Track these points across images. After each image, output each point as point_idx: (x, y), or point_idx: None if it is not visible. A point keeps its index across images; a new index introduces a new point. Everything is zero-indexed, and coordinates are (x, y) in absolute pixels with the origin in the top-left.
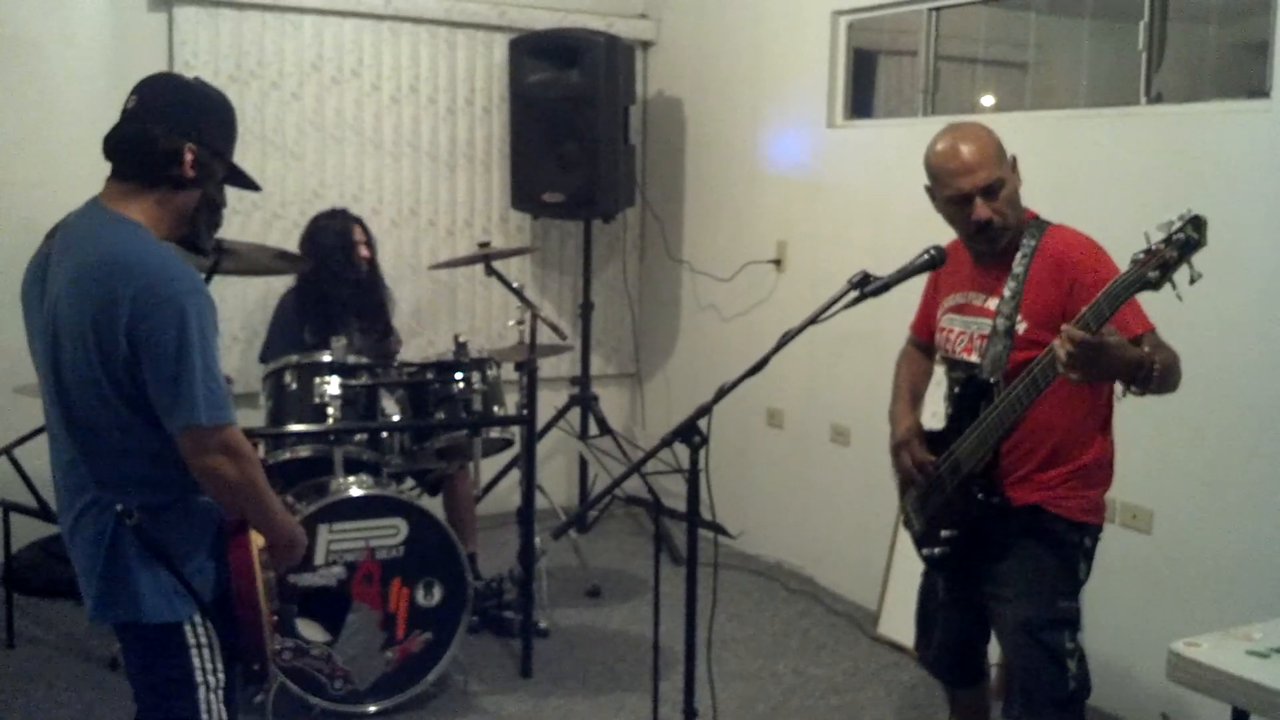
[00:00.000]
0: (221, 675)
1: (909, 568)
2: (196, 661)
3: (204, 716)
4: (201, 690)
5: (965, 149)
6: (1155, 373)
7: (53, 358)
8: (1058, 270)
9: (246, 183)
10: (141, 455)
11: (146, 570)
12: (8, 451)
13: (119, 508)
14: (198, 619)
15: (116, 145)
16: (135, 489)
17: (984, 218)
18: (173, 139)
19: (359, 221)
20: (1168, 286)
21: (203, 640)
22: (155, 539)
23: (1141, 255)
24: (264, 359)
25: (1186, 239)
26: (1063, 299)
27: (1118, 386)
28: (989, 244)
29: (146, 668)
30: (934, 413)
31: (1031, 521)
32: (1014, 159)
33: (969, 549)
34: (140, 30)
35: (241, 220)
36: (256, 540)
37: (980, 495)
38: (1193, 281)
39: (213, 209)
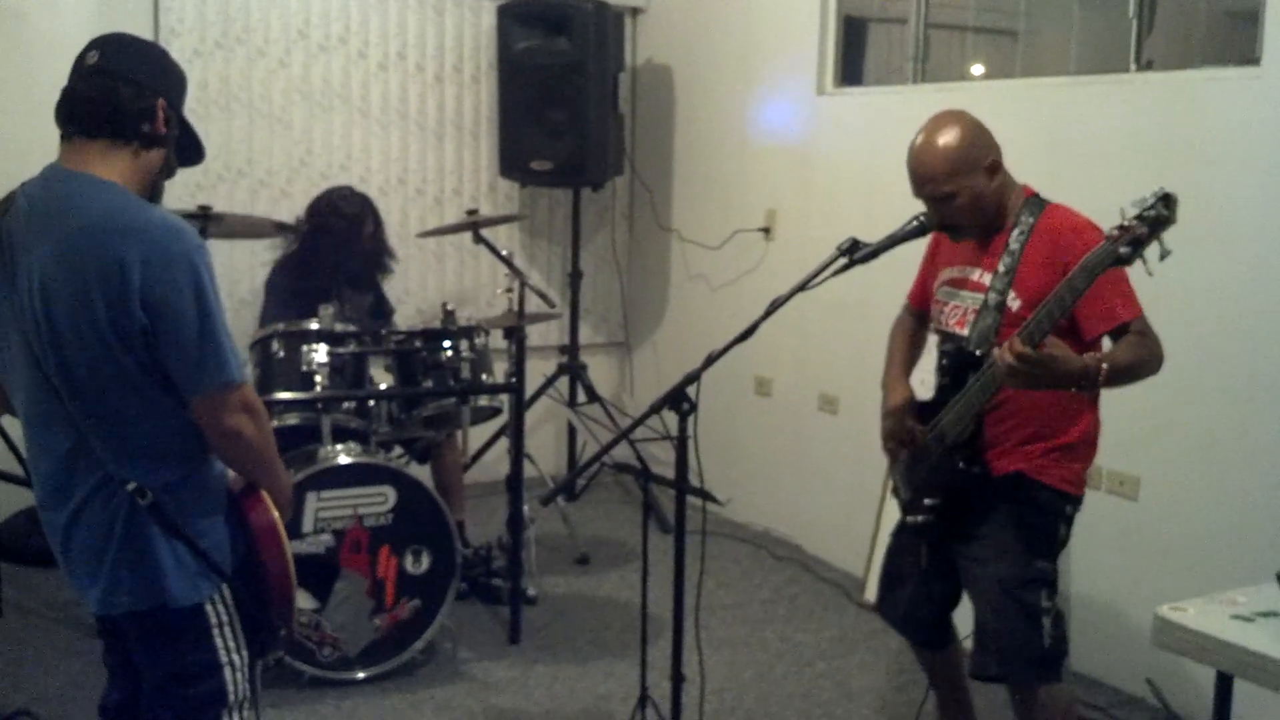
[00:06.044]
0: (245, 652)
1: None
2: (219, 641)
3: (231, 698)
4: (226, 671)
5: (927, 157)
6: (1101, 380)
7: (44, 340)
8: (1053, 250)
9: (195, 148)
10: (162, 428)
11: (167, 551)
12: None
13: (131, 486)
14: (218, 596)
15: (82, 102)
16: (154, 466)
17: (938, 219)
18: (145, 94)
19: (373, 210)
20: (1140, 263)
21: (224, 618)
22: (173, 516)
23: (1115, 231)
24: (264, 324)
25: (1158, 216)
26: (1056, 279)
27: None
28: (952, 235)
29: (164, 656)
30: (924, 382)
31: (1014, 488)
32: (994, 163)
33: (951, 517)
34: None
35: (229, 188)
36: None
37: (962, 465)
38: (1162, 258)
39: (169, 171)
